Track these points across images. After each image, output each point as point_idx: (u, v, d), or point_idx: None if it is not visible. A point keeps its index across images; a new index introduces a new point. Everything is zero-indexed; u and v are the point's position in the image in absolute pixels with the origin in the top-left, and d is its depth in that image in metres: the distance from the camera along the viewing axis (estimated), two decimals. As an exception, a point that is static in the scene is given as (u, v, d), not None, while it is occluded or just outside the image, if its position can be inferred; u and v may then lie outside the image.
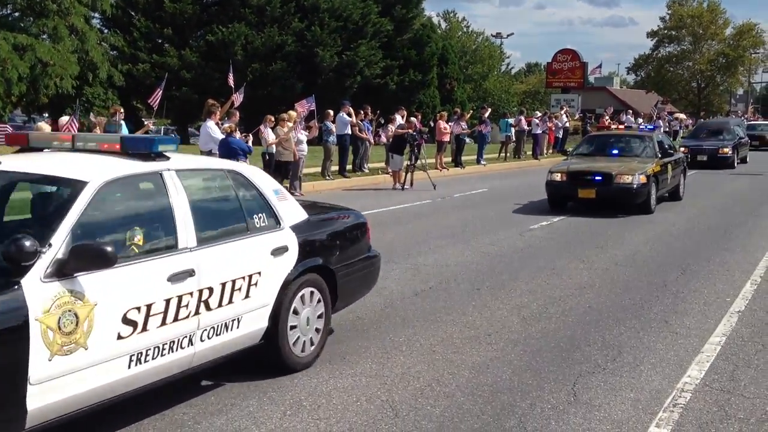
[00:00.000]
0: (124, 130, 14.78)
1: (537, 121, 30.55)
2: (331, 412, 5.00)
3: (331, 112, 21.15)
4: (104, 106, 33.29)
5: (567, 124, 34.44)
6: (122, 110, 15.98)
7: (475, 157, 26.89)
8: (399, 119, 22.89)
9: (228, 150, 13.58)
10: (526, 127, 30.16)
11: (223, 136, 14.21)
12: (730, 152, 27.04)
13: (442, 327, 6.98)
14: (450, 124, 24.82)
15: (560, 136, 33.21)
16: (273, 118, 17.41)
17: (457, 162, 25.36)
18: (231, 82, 17.94)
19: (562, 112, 35.06)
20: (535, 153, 30.41)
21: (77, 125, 12.34)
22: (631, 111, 44.28)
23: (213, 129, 14.85)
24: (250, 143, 16.04)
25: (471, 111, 35.16)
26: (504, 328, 6.97)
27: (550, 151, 32.36)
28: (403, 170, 19.65)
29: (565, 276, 9.21)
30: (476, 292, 8.37)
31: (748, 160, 29.81)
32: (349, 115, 21.42)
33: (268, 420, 4.85)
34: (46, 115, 35.09)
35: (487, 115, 28.14)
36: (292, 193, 19.41)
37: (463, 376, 5.71)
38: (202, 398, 5.17)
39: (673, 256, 10.53)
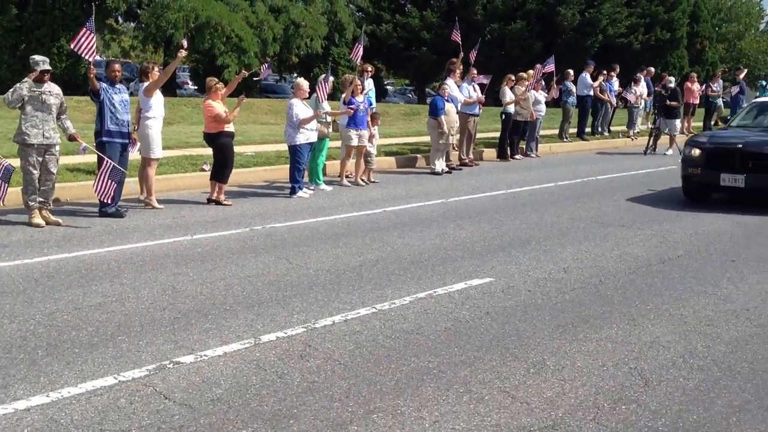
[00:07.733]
0: (370, 88, 15.23)
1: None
2: (576, 374, 4.88)
3: (572, 72, 20.49)
4: (349, 66, 34.67)
5: (843, 89, 30.76)
6: (371, 68, 16.42)
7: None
8: (644, 81, 21.72)
9: (432, 105, 14.77)
10: (790, 91, 27.32)
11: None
12: None
13: (693, 298, 6.57)
14: (702, 87, 23.16)
15: (831, 102, 29.76)
16: (513, 77, 17.18)
17: (705, 126, 23.61)
18: (457, 38, 17.62)
19: (834, 74, 31.33)
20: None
21: (330, 84, 12.87)
22: None
23: (451, 87, 15.06)
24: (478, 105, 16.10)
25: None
26: (765, 304, 6.41)
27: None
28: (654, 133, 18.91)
29: (837, 253, 8.29)
30: (731, 263, 7.77)
31: None
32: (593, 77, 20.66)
33: (512, 375, 4.84)
34: (295, 74, 37.17)
35: (742, 77, 25.87)
36: (527, 155, 19.00)
37: (719, 350, 5.33)
38: (446, 349, 5.26)
39: None
